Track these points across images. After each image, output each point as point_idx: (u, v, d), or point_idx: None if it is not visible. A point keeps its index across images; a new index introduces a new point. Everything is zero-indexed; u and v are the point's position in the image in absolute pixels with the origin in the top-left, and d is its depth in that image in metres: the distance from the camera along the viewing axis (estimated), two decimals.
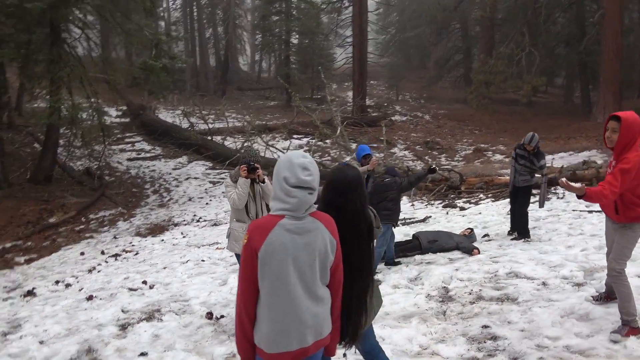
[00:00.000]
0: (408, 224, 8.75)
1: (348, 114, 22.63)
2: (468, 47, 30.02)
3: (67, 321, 5.14)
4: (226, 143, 17.59)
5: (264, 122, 21.65)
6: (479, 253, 6.10)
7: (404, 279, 5.45)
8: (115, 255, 8.74)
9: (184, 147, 17.80)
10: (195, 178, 15.61)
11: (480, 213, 8.81)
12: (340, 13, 28.74)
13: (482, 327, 3.98)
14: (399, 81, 30.68)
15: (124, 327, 4.85)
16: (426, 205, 10.61)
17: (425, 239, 6.56)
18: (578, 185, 3.33)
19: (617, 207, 3.49)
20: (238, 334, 2.21)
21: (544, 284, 4.79)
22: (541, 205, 5.91)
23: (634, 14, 25.48)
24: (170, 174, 16.01)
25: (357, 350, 2.59)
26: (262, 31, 30.03)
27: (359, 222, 2.45)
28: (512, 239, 6.73)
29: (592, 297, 4.22)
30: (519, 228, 6.75)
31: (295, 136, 19.52)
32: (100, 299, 5.92)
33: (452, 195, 11.06)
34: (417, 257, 6.37)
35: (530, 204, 6.91)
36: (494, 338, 3.78)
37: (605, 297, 4.12)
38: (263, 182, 4.46)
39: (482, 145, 18.50)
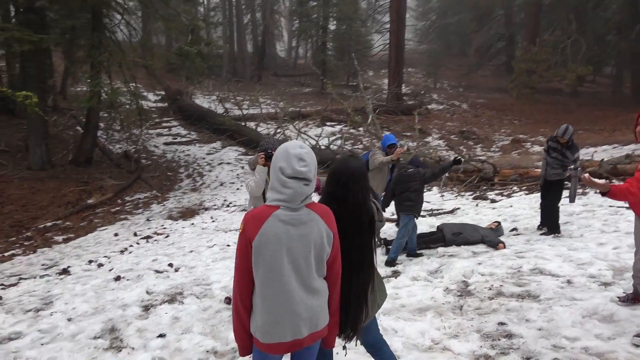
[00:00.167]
0: (435, 215, 8.60)
1: (383, 102, 22.35)
2: (511, 35, 28.98)
3: (95, 300, 5.35)
4: (259, 129, 17.74)
5: (297, 109, 21.69)
6: (504, 247, 5.93)
7: (423, 271, 5.38)
8: (147, 237, 9.02)
9: (218, 132, 18.09)
10: (228, 163, 15.86)
11: (511, 206, 8.55)
12: None
13: (498, 324, 3.88)
14: (437, 69, 30.01)
15: (146, 308, 5.01)
16: (456, 196, 10.39)
17: (449, 231, 6.43)
18: (602, 181, 3.17)
19: None
20: (235, 323, 2.24)
21: (568, 282, 4.61)
22: (572, 200, 5.65)
23: None
24: (204, 158, 16.32)
25: (356, 344, 2.56)
26: (299, 17, 29.95)
27: (360, 214, 2.42)
28: (541, 234, 6.50)
29: (617, 297, 4.04)
30: (549, 223, 6.50)
31: (328, 123, 19.46)
32: (128, 279, 6.13)
33: (484, 187, 10.79)
34: (440, 250, 6.26)
35: (563, 199, 6.63)
36: (509, 336, 3.68)
37: (633, 298, 3.93)
38: None
39: (521, 136, 17.90)
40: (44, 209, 11.08)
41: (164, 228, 9.81)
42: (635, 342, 3.33)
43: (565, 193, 6.85)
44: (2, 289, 6.27)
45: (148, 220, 10.64)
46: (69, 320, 4.79)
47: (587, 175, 3.17)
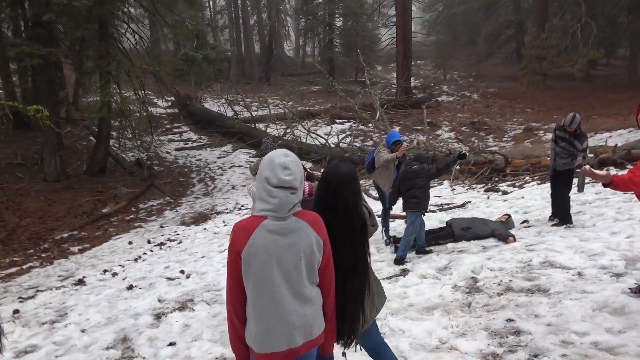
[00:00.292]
0: (445, 209, 8.52)
1: (392, 96, 22.22)
2: (520, 21, 28.47)
3: (108, 310, 5.44)
4: (269, 130, 17.79)
5: (306, 108, 21.69)
6: (514, 241, 5.85)
7: (432, 268, 5.34)
8: (160, 244, 9.12)
9: (228, 135, 18.20)
10: (239, 166, 15.94)
11: (522, 197, 8.43)
12: None
13: (507, 320, 3.84)
14: (446, 60, 29.71)
15: (158, 317, 5.08)
16: (467, 189, 10.27)
17: (458, 226, 6.37)
18: (603, 172, 3.09)
19: None
20: (231, 334, 2.25)
21: (579, 274, 4.53)
22: (580, 190, 5.55)
23: None
24: (215, 162, 16.43)
25: (356, 349, 2.55)
26: (305, 15, 29.94)
27: (352, 219, 2.40)
28: (552, 225, 6.40)
29: (629, 289, 3.95)
30: (560, 214, 6.40)
31: (337, 121, 19.43)
32: (140, 288, 6.21)
33: (496, 179, 10.64)
34: (450, 245, 6.20)
35: (573, 188, 6.51)
36: (517, 332, 3.63)
37: None
38: None
39: (534, 124, 17.62)
40: (60, 220, 11.28)
41: (177, 234, 9.91)
42: None
43: (576, 182, 6.73)
44: (20, 302, 6.41)
45: (161, 227, 10.76)
46: (83, 331, 4.88)
47: (587, 166, 3.10)
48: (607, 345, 3.26)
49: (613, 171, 8.99)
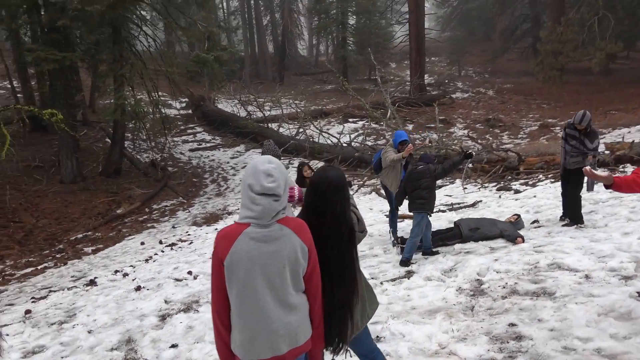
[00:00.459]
0: (455, 209, 8.42)
1: (405, 94, 22.06)
2: (536, 15, 27.97)
3: (115, 311, 5.51)
4: (281, 130, 17.83)
5: (319, 107, 21.67)
6: (523, 242, 5.74)
7: (437, 270, 5.27)
8: (171, 245, 9.21)
9: (241, 135, 18.30)
10: None
11: (534, 196, 8.27)
12: None
13: (509, 325, 3.76)
14: (461, 56, 29.36)
15: (163, 318, 5.12)
16: (479, 188, 10.14)
17: (466, 227, 6.28)
18: (605, 174, 3.00)
19: None
20: (217, 341, 2.25)
21: (587, 277, 4.42)
22: (589, 189, 5.42)
23: None
24: (228, 162, 16.54)
25: (346, 356, 2.53)
26: (317, 14, 29.88)
27: (340, 225, 2.37)
28: (563, 225, 6.26)
29: (637, 292, 3.84)
30: (571, 213, 6.25)
31: (350, 120, 19.37)
32: (148, 289, 6.28)
33: (509, 177, 10.48)
34: (457, 246, 6.12)
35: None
36: (519, 338, 3.56)
37: None
38: None
39: (550, 120, 17.30)
40: (75, 221, 11.49)
41: (188, 235, 10.00)
42: None
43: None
44: (32, 302, 6.55)
45: (173, 227, 10.87)
46: (89, 332, 4.95)
47: (588, 167, 3.02)
48: (611, 352, 3.17)
49: (630, 169, 8.77)
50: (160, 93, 15.62)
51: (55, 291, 7.00)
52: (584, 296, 4.04)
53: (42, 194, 12.97)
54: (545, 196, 8.11)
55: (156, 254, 8.64)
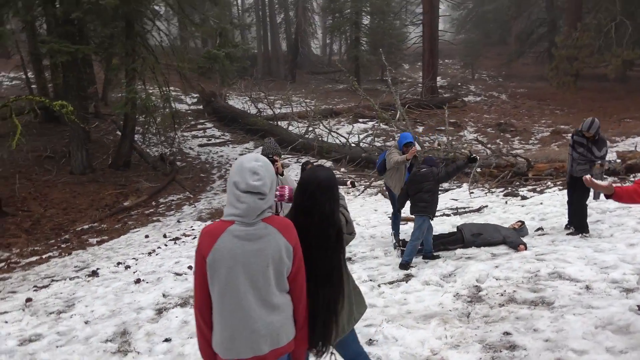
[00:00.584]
0: (460, 214, 8.34)
1: (417, 96, 21.93)
2: (553, 19, 27.61)
3: (113, 303, 5.54)
4: (290, 128, 17.82)
5: (330, 107, 21.63)
6: (525, 249, 5.66)
7: (436, 274, 5.22)
8: (175, 239, 9.25)
9: (251, 132, 18.32)
10: None
11: (541, 203, 8.16)
12: None
13: (504, 333, 3.71)
14: (475, 59, 29.10)
15: (159, 312, 5.14)
16: (486, 193, 10.03)
17: (469, 232, 6.21)
18: (605, 183, 2.94)
19: None
20: (199, 339, 2.23)
21: (587, 287, 4.34)
22: (596, 198, 5.32)
23: None
24: (236, 159, 16.50)
25: (330, 358, 2.50)
26: (331, 13, 29.84)
27: (327, 226, 2.35)
28: (567, 234, 6.16)
29: (638, 306, 3.76)
30: (576, 222, 6.15)
31: (360, 120, 19.31)
32: (147, 282, 6.30)
33: (517, 183, 10.35)
34: (459, 251, 6.06)
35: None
36: (512, 347, 3.50)
37: None
38: (282, 174, 4.45)
39: (562, 127, 17.07)
40: (82, 212, 11.59)
41: (193, 229, 10.03)
42: None
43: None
44: (34, 290, 6.61)
45: (178, 221, 10.92)
46: (86, 323, 4.98)
47: (588, 176, 2.96)
48: None
49: None
50: (171, 88, 15.71)
51: (57, 280, 7.06)
52: (583, 307, 3.96)
53: (52, 184, 13.11)
54: (552, 203, 8.00)
55: (159, 248, 8.68)
